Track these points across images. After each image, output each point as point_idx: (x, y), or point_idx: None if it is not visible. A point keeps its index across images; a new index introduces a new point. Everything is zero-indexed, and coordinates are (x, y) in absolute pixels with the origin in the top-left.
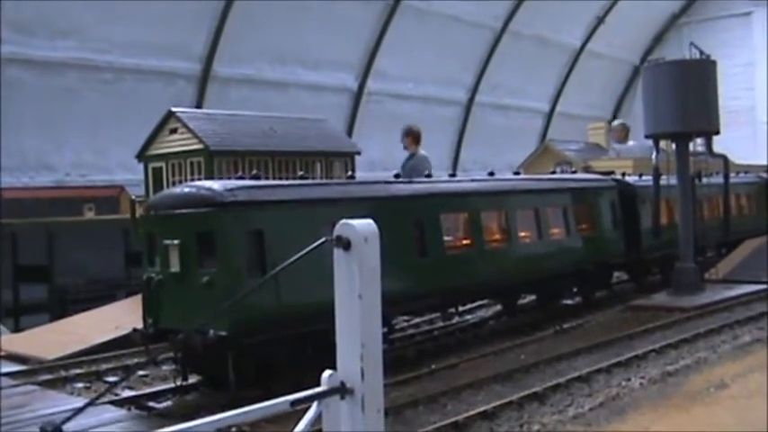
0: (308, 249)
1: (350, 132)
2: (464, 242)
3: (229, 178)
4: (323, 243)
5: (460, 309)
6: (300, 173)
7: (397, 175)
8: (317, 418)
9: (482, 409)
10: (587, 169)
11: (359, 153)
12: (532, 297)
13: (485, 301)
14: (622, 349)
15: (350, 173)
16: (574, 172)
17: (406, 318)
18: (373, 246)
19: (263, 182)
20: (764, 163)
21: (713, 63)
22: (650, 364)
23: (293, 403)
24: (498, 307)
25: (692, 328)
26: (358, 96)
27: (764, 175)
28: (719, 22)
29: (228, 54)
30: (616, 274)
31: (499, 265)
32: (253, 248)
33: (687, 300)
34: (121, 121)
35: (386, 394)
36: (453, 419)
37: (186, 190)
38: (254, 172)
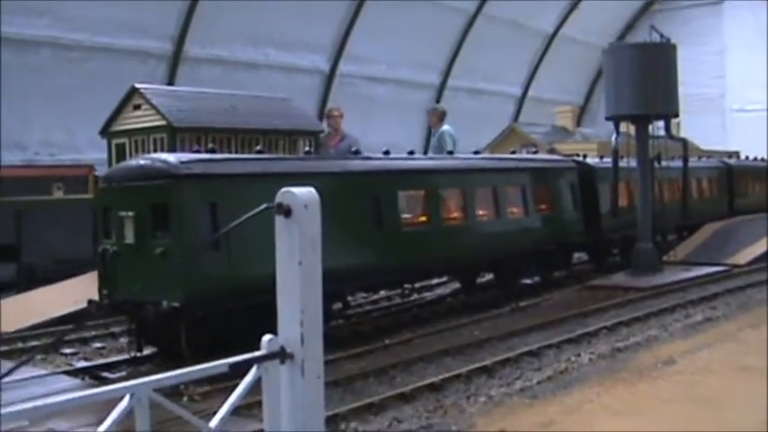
0: (247, 215)
1: (322, 114)
2: (421, 219)
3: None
4: (264, 210)
5: (419, 286)
6: (257, 148)
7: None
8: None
9: (430, 381)
10: (552, 151)
11: (322, 131)
12: (491, 275)
13: (444, 279)
14: (575, 326)
15: (308, 148)
16: (534, 152)
17: (364, 295)
18: (314, 213)
19: (218, 155)
20: (732, 149)
21: (673, 47)
22: (601, 341)
23: (231, 366)
24: (457, 285)
25: (645, 308)
26: (330, 78)
27: (727, 160)
28: (691, 11)
29: (200, 34)
30: (577, 254)
31: (456, 242)
32: (206, 221)
33: (644, 280)
34: (92, 100)
35: (339, 367)
36: (401, 390)
37: (141, 162)
38: (210, 146)
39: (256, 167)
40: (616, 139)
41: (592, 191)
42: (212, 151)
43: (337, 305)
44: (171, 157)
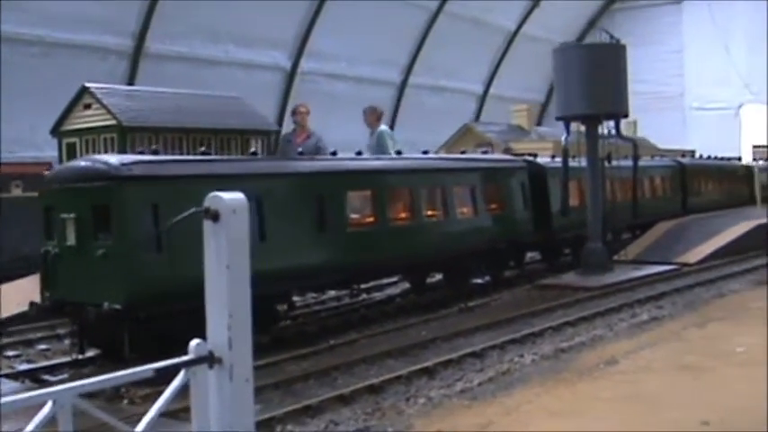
0: (177, 218)
1: (283, 112)
2: (368, 220)
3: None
4: (192, 213)
5: (370, 286)
6: (201, 149)
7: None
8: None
9: (369, 382)
10: (507, 151)
11: (277, 131)
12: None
13: (395, 279)
14: (521, 327)
15: (254, 149)
16: (485, 152)
17: (314, 295)
18: (242, 217)
19: (160, 156)
20: (688, 148)
21: (623, 47)
22: (546, 341)
23: (158, 371)
24: (407, 285)
25: (593, 307)
26: (291, 76)
27: (681, 159)
28: (651, 10)
29: (162, 30)
30: (530, 254)
31: (404, 242)
32: (148, 222)
33: (594, 279)
34: (52, 97)
35: (282, 369)
36: (340, 392)
37: (83, 164)
38: (153, 147)
39: (200, 169)
40: (566, 138)
41: (542, 190)
42: (156, 152)
43: (283, 306)
44: (112, 159)
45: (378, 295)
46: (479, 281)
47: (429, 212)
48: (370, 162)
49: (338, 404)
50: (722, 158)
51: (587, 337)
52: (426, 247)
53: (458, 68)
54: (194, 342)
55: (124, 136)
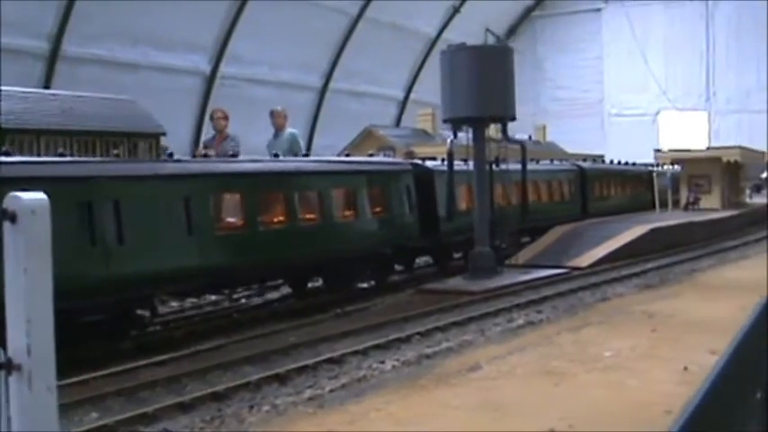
0: None
1: (202, 116)
2: (238, 223)
3: None
4: None
5: (252, 290)
6: (59, 150)
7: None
8: None
9: (213, 389)
10: (410, 154)
11: (164, 134)
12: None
13: (278, 283)
14: (391, 332)
15: (116, 151)
16: (370, 155)
17: (194, 300)
18: (42, 219)
19: (13, 158)
20: (599, 153)
21: (510, 50)
22: (411, 347)
23: None
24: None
25: (469, 312)
26: (211, 80)
27: (581, 163)
28: (572, 17)
29: (78, 33)
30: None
31: (278, 246)
32: None
33: (479, 284)
34: None
35: (135, 376)
36: (180, 400)
37: None
38: (5, 148)
39: (55, 171)
40: (451, 141)
41: (430, 194)
42: (7, 154)
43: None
44: None
45: (257, 300)
46: (365, 285)
47: (305, 216)
48: (241, 165)
49: (177, 412)
50: (629, 164)
51: (456, 343)
52: (302, 251)
53: (379, 74)
54: None
55: (2, 139)
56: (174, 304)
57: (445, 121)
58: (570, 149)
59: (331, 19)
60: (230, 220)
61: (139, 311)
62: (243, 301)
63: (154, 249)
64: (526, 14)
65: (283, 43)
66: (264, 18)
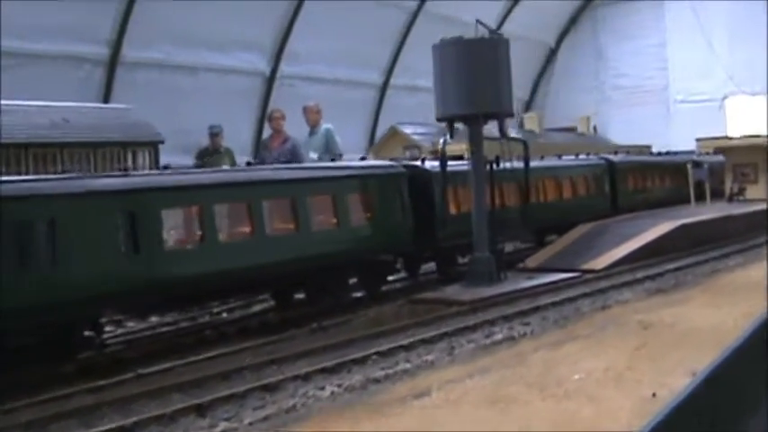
0: None
1: (263, 117)
2: (192, 238)
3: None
4: None
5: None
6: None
7: None
8: None
9: (123, 422)
10: (434, 153)
11: (162, 142)
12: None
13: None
14: (354, 350)
15: (70, 165)
16: (363, 158)
17: (157, 319)
18: None
19: None
20: (643, 144)
21: (504, 41)
22: (363, 369)
23: None
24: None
25: (448, 326)
26: (271, 80)
27: (610, 156)
28: (633, 4)
29: (136, 37)
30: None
31: (239, 260)
32: None
33: (474, 292)
34: None
35: (62, 404)
36: None
37: None
38: None
39: None
40: (444, 141)
41: (427, 197)
42: None
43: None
44: None
45: (226, 315)
46: (358, 294)
47: (274, 226)
48: (193, 176)
49: None
50: (670, 153)
51: (415, 364)
52: (272, 265)
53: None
54: None
55: None
56: (133, 324)
57: (439, 120)
58: (628, 140)
59: (389, 14)
60: (183, 235)
61: (87, 333)
62: (224, 315)
63: (94, 268)
64: (587, 3)
65: (340, 40)
66: (322, 16)
